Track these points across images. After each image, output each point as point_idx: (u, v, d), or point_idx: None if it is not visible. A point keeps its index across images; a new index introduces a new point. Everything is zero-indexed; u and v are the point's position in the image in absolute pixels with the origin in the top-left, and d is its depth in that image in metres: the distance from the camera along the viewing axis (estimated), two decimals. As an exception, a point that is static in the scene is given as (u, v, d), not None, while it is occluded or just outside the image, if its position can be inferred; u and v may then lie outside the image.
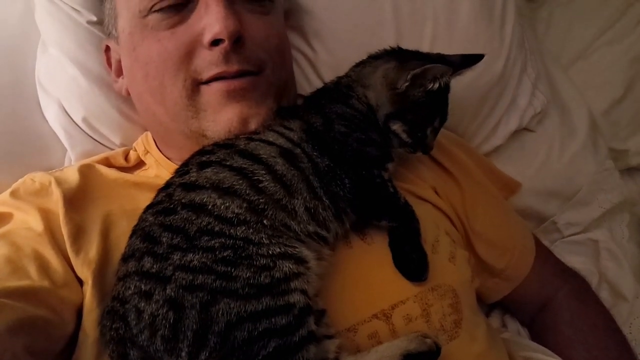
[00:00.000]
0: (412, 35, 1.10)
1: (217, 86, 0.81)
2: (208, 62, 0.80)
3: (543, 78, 1.22)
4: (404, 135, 0.82)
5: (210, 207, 0.69)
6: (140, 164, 0.97)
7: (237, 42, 0.80)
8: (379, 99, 0.82)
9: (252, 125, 0.82)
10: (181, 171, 0.76)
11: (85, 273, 0.75)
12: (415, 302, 0.74)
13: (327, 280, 0.73)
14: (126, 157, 0.98)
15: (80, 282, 0.76)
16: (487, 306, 1.07)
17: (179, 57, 0.81)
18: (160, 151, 0.94)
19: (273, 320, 0.62)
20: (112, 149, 1.04)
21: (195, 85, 0.82)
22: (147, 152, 0.96)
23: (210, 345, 0.61)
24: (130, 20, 0.85)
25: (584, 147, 1.21)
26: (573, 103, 1.26)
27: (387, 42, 1.09)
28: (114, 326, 0.66)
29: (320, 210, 0.74)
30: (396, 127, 0.81)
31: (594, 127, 1.25)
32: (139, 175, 0.94)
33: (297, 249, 0.69)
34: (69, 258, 0.76)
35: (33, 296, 0.69)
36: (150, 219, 0.71)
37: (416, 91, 0.79)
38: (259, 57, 0.84)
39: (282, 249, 0.68)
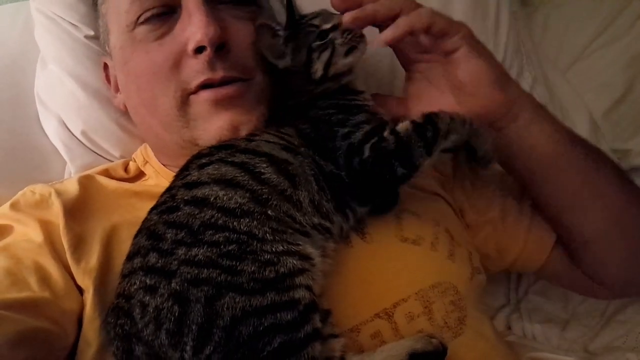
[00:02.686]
0: (407, 40, 1.11)
1: (204, 95, 0.81)
2: (195, 71, 0.80)
3: (541, 82, 1.23)
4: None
5: (212, 199, 0.69)
6: (140, 175, 0.98)
7: (220, 49, 0.80)
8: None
9: (243, 133, 0.82)
10: (182, 174, 0.76)
11: (86, 282, 0.75)
12: (417, 299, 0.73)
13: (329, 280, 0.72)
14: (126, 169, 0.99)
15: (81, 291, 0.76)
16: (491, 309, 1.06)
17: (168, 68, 0.81)
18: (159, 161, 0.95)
19: (278, 315, 0.62)
20: (111, 162, 1.04)
21: (186, 96, 0.82)
22: (146, 162, 0.97)
23: (215, 339, 0.60)
24: (120, 35, 0.87)
25: (585, 148, 1.21)
26: (572, 105, 1.25)
27: (384, 51, 1.10)
28: (119, 322, 0.65)
29: (324, 202, 0.74)
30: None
31: (595, 129, 1.24)
32: (139, 184, 0.94)
33: (300, 246, 0.69)
34: (69, 268, 0.76)
35: (34, 308, 0.69)
36: (155, 218, 0.71)
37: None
38: (246, 64, 0.84)
39: (285, 247, 0.67)
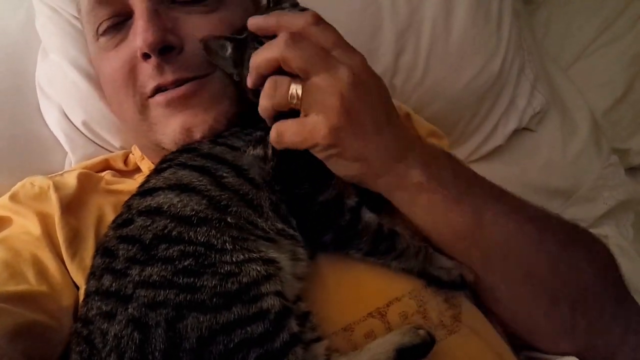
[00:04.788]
0: (410, 36, 1.11)
1: (158, 99, 0.80)
2: (147, 76, 0.79)
3: (542, 79, 1.23)
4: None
5: (166, 207, 0.66)
6: (138, 169, 0.98)
7: (166, 52, 0.77)
8: None
9: (197, 135, 0.79)
10: (143, 182, 0.74)
11: (80, 278, 0.74)
12: (411, 298, 0.73)
13: (320, 280, 0.72)
14: (125, 161, 0.99)
15: (77, 286, 0.76)
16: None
17: (124, 74, 0.81)
18: None
19: (249, 329, 0.59)
20: (112, 152, 1.04)
21: (144, 100, 0.81)
22: (143, 158, 0.96)
23: None
24: (90, 46, 0.88)
25: (586, 146, 1.22)
26: (573, 103, 1.26)
27: (386, 44, 1.11)
28: (77, 349, 0.63)
29: (282, 206, 0.71)
30: None
31: (596, 126, 1.25)
32: (137, 182, 0.93)
33: (262, 252, 0.66)
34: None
35: (31, 301, 0.68)
36: (111, 233, 0.69)
37: None
38: (204, 59, 0.79)
39: (246, 255, 0.64)
